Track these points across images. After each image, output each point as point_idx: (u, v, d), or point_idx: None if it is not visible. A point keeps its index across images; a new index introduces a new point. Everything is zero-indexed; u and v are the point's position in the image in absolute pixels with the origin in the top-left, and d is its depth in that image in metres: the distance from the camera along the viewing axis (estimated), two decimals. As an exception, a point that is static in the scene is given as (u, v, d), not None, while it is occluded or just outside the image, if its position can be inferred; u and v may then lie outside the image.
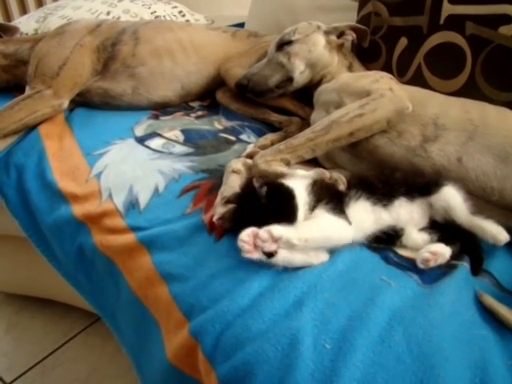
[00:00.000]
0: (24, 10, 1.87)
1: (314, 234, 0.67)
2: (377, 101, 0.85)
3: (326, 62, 1.07)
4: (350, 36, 1.10)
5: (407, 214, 0.75)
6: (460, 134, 0.82)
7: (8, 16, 1.87)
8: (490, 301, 0.65)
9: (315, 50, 1.06)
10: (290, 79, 1.07)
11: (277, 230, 0.64)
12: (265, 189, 0.69)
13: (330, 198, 0.72)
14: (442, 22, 1.05)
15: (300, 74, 1.06)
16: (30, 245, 1.02)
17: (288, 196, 0.70)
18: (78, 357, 1.32)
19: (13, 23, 1.47)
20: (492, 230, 0.72)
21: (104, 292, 0.88)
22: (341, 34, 1.11)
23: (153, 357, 0.75)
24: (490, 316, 0.64)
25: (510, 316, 0.62)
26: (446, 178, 0.77)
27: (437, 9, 1.06)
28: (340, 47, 1.11)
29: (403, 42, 1.13)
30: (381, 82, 0.93)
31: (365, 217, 0.73)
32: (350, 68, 1.11)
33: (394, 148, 0.84)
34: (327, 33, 1.09)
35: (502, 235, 0.72)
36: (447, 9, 1.04)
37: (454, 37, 1.03)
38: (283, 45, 1.07)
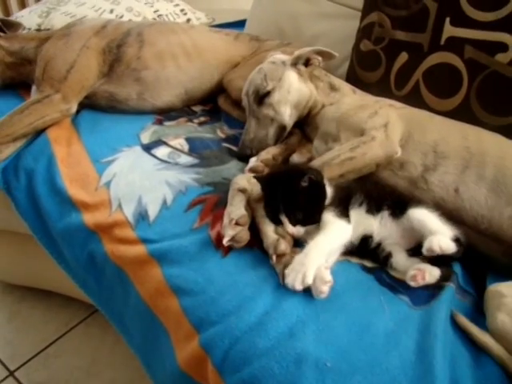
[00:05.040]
0: (23, 4, 1.83)
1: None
2: (367, 144, 0.89)
3: (307, 95, 1.07)
4: (316, 60, 1.10)
5: (391, 230, 0.80)
6: (458, 163, 0.86)
7: (7, 9, 1.83)
8: (464, 321, 0.72)
9: (293, 89, 1.06)
10: (283, 127, 1.08)
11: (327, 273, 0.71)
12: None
13: (339, 201, 0.79)
14: (442, 42, 1.09)
15: (289, 117, 1.07)
16: (33, 239, 1.05)
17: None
18: (78, 346, 1.38)
19: (14, 17, 1.46)
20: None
21: (113, 297, 0.93)
22: (307, 61, 1.10)
23: (163, 361, 0.80)
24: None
25: (480, 336, 0.69)
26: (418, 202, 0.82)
27: (438, 29, 1.09)
28: (311, 73, 1.11)
29: (403, 56, 1.16)
30: (378, 114, 0.96)
31: (362, 222, 0.79)
32: (333, 87, 1.10)
33: (397, 180, 0.89)
34: (294, 64, 1.09)
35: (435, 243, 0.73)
36: (448, 30, 1.08)
37: (452, 58, 1.07)
38: (262, 98, 1.06)
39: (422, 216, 0.78)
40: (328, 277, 0.70)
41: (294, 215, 0.76)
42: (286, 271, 0.71)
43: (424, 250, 0.73)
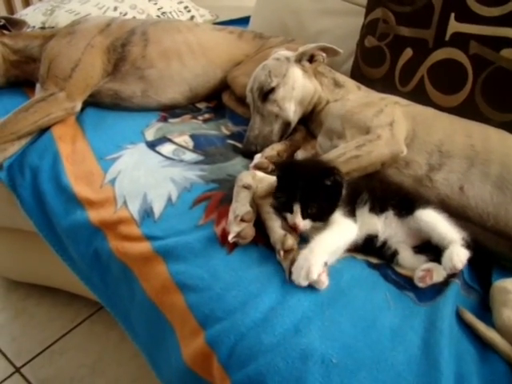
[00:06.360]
0: (27, 2, 1.84)
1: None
2: (373, 143, 0.88)
3: (311, 91, 1.07)
4: (321, 57, 1.09)
5: (397, 229, 0.80)
6: (462, 162, 0.86)
7: (11, 7, 1.84)
8: (470, 317, 0.72)
9: (298, 86, 1.06)
10: (288, 123, 1.08)
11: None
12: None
13: (348, 199, 0.79)
14: (447, 38, 1.08)
15: (294, 114, 1.07)
16: (38, 236, 1.06)
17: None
18: (83, 343, 1.38)
19: (19, 15, 1.47)
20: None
21: (118, 293, 0.93)
22: (311, 57, 1.10)
23: (169, 357, 0.81)
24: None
25: (487, 332, 0.70)
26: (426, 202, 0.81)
27: (443, 24, 1.09)
28: (316, 70, 1.11)
29: (408, 52, 1.16)
30: (384, 112, 0.95)
31: (365, 222, 0.79)
32: (337, 84, 1.11)
33: (402, 178, 0.89)
34: (298, 61, 1.09)
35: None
36: (453, 26, 1.07)
37: (457, 54, 1.07)
38: (267, 94, 1.06)
39: (430, 218, 0.77)
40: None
41: (309, 209, 0.76)
42: (292, 268, 0.72)
43: (447, 269, 0.73)
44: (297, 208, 0.76)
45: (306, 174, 0.77)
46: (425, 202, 0.81)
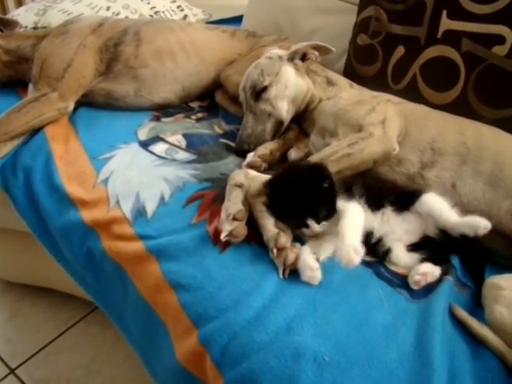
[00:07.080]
0: (20, 2, 1.83)
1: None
2: (365, 141, 0.88)
3: (304, 90, 1.07)
4: (313, 55, 1.09)
5: (395, 225, 0.80)
6: (454, 159, 0.86)
7: (4, 7, 1.83)
8: (462, 314, 0.72)
9: (290, 84, 1.06)
10: (281, 122, 1.08)
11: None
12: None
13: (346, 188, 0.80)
14: (439, 35, 1.09)
15: (286, 112, 1.07)
16: (31, 237, 1.05)
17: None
18: (78, 344, 1.38)
19: (11, 15, 1.46)
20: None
21: (112, 293, 0.93)
22: (304, 56, 1.10)
23: (163, 356, 0.81)
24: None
25: (479, 328, 0.70)
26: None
27: (435, 22, 1.09)
28: (308, 68, 1.11)
29: (400, 50, 1.16)
30: (376, 110, 0.95)
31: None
32: (330, 82, 1.11)
33: (395, 175, 0.89)
34: (291, 59, 1.09)
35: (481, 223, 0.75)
36: (445, 23, 1.08)
37: (449, 51, 1.07)
38: (260, 93, 1.06)
39: (436, 199, 0.79)
40: (315, 264, 0.72)
41: (320, 214, 0.75)
42: (337, 252, 0.70)
43: (471, 233, 0.74)
44: (311, 222, 0.75)
45: (304, 187, 0.76)
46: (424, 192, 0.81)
